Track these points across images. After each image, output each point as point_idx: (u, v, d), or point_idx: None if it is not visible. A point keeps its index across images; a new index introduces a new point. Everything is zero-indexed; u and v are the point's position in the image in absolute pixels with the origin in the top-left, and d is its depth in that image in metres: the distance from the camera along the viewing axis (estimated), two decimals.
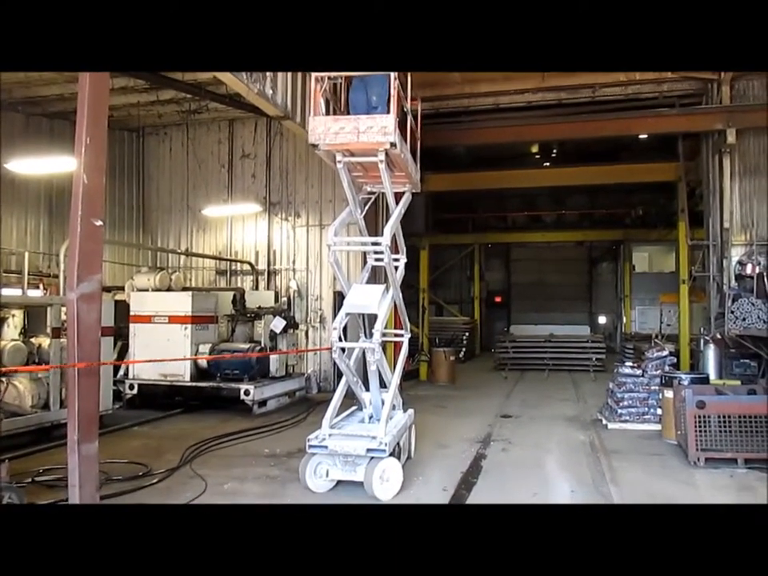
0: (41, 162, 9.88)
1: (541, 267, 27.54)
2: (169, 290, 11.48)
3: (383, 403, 6.46)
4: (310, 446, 5.91)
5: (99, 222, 4.46)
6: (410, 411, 7.51)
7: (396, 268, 6.94)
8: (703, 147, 12.41)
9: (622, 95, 12.06)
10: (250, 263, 13.72)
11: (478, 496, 5.99)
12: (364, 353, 6.40)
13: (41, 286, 11.36)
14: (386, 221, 12.25)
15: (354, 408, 7.42)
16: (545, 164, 19.32)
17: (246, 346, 10.93)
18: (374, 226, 10.98)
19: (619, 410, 9.31)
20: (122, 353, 11.43)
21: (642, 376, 9.41)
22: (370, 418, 6.78)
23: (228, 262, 13.93)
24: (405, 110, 7.02)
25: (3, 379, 7.95)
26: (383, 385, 6.81)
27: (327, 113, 6.61)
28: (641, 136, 14.27)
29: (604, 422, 9.50)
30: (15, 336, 8.52)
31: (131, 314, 11.06)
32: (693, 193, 14.36)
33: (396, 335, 7.92)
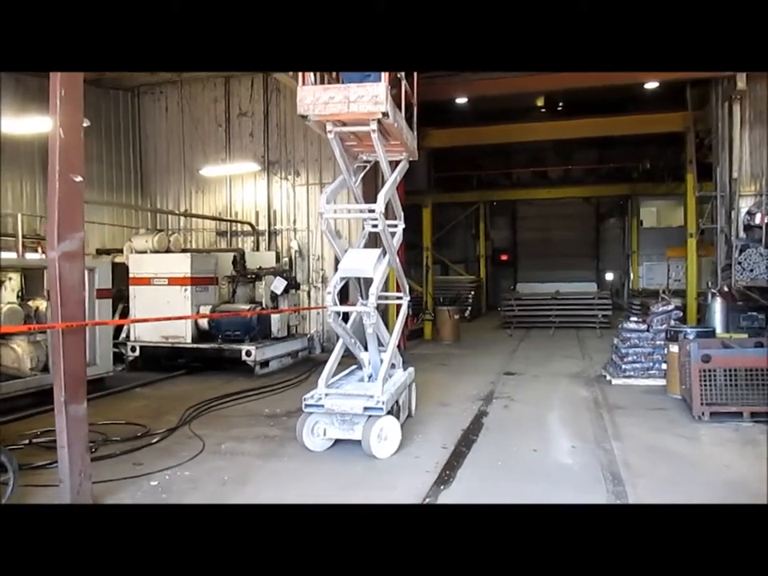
0: (32, 121, 9.58)
1: (547, 224, 27.19)
2: (168, 251, 11.35)
3: (382, 362, 6.37)
4: (306, 405, 5.84)
5: (79, 178, 4.29)
6: (410, 370, 7.43)
7: (393, 234, 6.80)
8: (712, 95, 12.01)
9: None
10: (250, 224, 13.54)
11: (478, 453, 5.93)
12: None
13: (39, 248, 11.24)
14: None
15: (353, 367, 7.35)
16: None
17: (247, 306, 10.84)
18: (373, 191, 10.72)
19: (624, 366, 9.21)
20: (124, 315, 11.38)
21: (647, 331, 9.27)
22: (369, 377, 6.69)
23: (228, 223, 13.76)
24: (398, 76, 6.76)
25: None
26: (382, 345, 6.72)
27: (321, 81, 6.37)
28: (648, 86, 13.83)
29: (608, 378, 9.41)
30: (12, 299, 8.45)
31: (130, 276, 10.97)
32: (701, 144, 13.98)
33: (396, 298, 7.78)
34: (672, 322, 9.19)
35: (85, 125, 9.35)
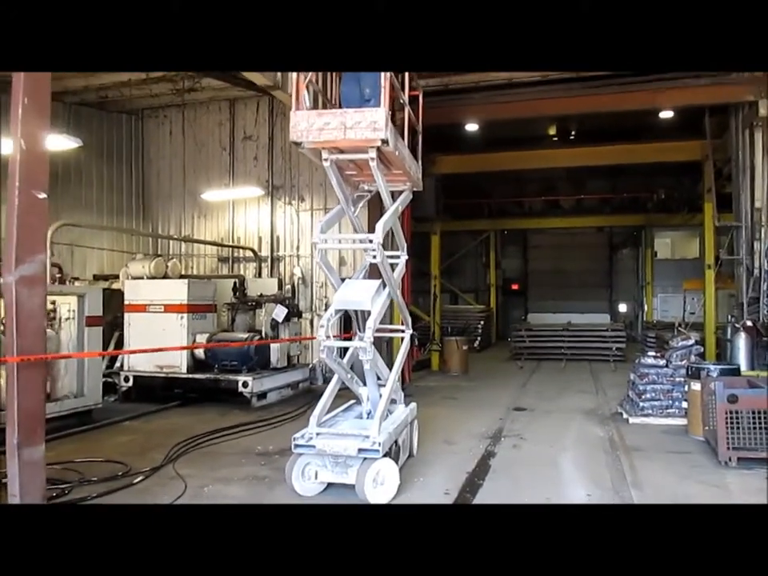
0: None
1: (559, 254, 26.69)
2: (165, 277, 10.98)
3: (381, 399, 5.89)
4: (296, 446, 5.35)
5: (43, 195, 3.91)
6: (412, 406, 6.93)
7: (393, 265, 6.41)
8: (732, 122, 11.62)
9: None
10: (252, 249, 13.17)
11: (484, 501, 5.39)
12: None
13: None
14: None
15: (352, 402, 6.88)
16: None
17: (245, 335, 10.40)
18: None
19: (641, 403, 8.64)
20: (119, 344, 10.98)
21: (666, 366, 8.72)
22: (369, 413, 6.21)
23: (230, 249, 13.39)
24: (401, 101, 6.40)
25: None
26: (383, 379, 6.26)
27: (318, 106, 6.03)
28: (663, 115, 13.48)
29: (624, 415, 8.84)
30: None
31: (126, 302, 10.58)
32: (719, 174, 13.55)
33: (396, 330, 7.32)
34: (693, 358, 8.65)
35: (76, 144, 9.18)
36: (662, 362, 8.77)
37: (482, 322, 21.37)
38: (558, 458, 6.83)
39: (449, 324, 18.76)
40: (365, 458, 5.21)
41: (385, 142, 5.20)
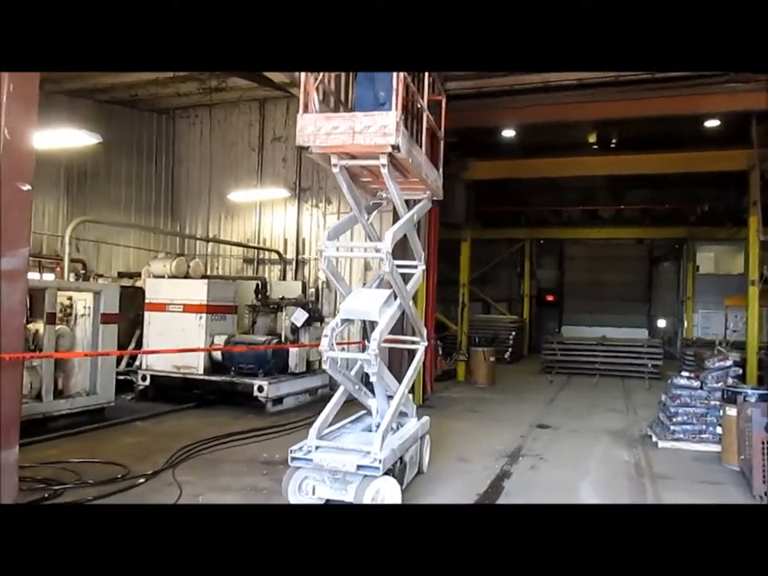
0: (56, 136, 9.12)
1: (597, 265, 25.91)
2: (186, 277, 10.88)
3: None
4: (293, 459, 5.08)
5: (27, 187, 3.74)
6: (424, 419, 6.62)
7: (409, 275, 6.17)
8: None
9: (687, 73, 10.71)
10: (277, 251, 13.02)
11: None
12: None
13: (58, 269, 10.94)
14: (418, 234, 11.42)
15: (362, 413, 6.60)
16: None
17: (263, 338, 10.20)
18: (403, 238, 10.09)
19: (672, 427, 8.14)
20: (140, 342, 10.92)
21: (701, 389, 8.20)
22: (377, 426, 5.92)
23: (255, 251, 13.27)
24: (419, 106, 6.12)
25: None
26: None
27: (337, 109, 5.81)
28: (708, 124, 12.89)
29: (654, 438, 8.34)
30: None
31: (146, 301, 10.51)
32: (767, 186, 12.89)
33: (411, 342, 7.01)
34: (730, 380, 8.11)
35: (96, 140, 9.11)
36: (696, 384, 8.24)
37: (513, 333, 20.83)
38: (577, 482, 6.41)
39: (480, 334, 18.33)
40: (365, 476, 4.92)
41: (395, 147, 4.90)
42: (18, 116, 3.69)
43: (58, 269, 10.87)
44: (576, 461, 7.35)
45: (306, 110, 5.17)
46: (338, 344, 5.41)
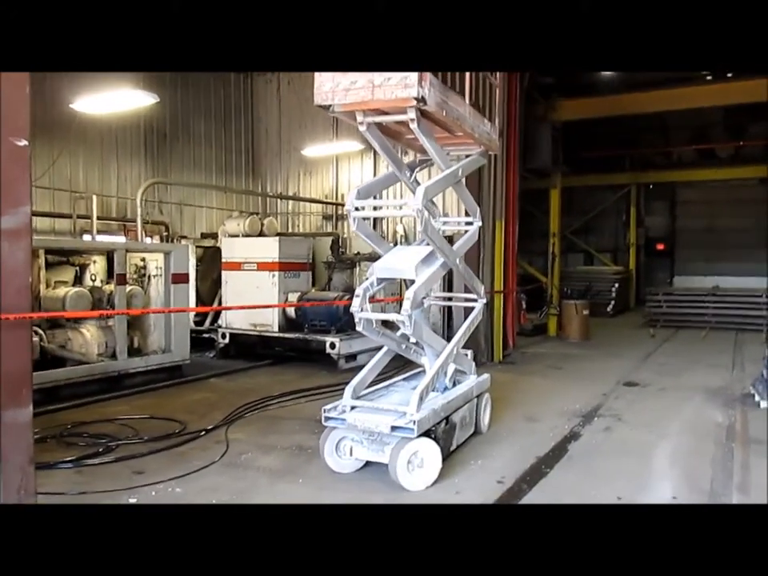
0: (109, 97, 9.01)
1: (713, 210, 23.64)
2: (260, 235, 10.91)
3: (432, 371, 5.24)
4: (327, 419, 4.87)
5: (24, 142, 3.63)
6: (484, 377, 6.21)
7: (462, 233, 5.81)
8: None
9: None
10: None
11: (539, 495, 4.60)
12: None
13: (125, 232, 11.29)
14: (494, 184, 10.66)
15: (418, 370, 6.29)
16: None
17: (334, 295, 10.07)
18: (476, 189, 9.49)
19: None
20: (221, 301, 11.15)
21: None
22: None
23: (334, 207, 13.11)
24: None
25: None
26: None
27: None
28: None
29: (756, 398, 7.45)
30: (88, 282, 8.35)
31: (223, 260, 10.66)
32: None
33: (469, 300, 6.57)
34: None
35: (153, 100, 9.12)
36: None
37: (616, 285, 19.60)
38: (653, 447, 5.78)
39: (573, 287, 17.36)
40: (402, 437, 4.63)
41: (420, 100, 4.39)
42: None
43: (124, 232, 11.20)
44: (657, 422, 6.66)
45: None
46: (375, 301, 5.07)
